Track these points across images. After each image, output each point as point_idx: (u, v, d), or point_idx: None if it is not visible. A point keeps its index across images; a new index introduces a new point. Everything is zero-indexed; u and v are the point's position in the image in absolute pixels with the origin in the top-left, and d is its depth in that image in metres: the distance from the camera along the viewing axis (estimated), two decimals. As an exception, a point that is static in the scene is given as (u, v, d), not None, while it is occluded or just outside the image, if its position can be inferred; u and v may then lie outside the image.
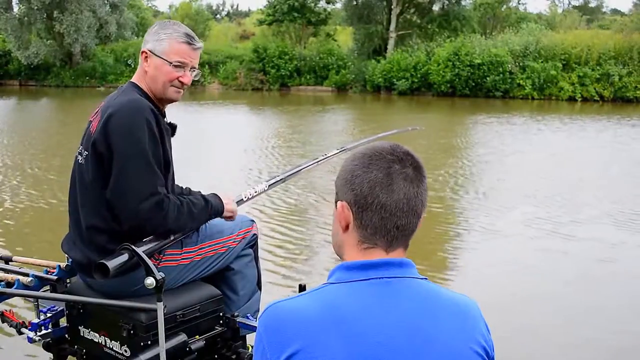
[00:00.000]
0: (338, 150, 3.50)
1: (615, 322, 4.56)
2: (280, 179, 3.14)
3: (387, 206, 1.31)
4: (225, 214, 2.61)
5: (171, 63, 2.47)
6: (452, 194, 8.81)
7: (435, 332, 1.26)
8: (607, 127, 17.81)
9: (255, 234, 2.86)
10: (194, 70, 2.56)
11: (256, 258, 2.89)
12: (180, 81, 2.51)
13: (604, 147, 13.70)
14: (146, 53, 2.51)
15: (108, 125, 2.35)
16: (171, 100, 2.57)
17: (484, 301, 1.42)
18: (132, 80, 2.56)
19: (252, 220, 2.89)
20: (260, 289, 2.90)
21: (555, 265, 5.75)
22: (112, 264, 2.20)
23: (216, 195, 2.62)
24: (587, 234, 6.70)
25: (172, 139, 2.65)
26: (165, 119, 2.58)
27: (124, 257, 2.23)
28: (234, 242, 2.71)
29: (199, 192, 2.96)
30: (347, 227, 1.36)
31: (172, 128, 2.64)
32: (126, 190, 2.31)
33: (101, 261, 2.21)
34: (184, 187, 2.96)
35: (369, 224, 1.33)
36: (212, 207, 2.54)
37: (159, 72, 2.49)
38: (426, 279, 1.35)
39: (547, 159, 11.91)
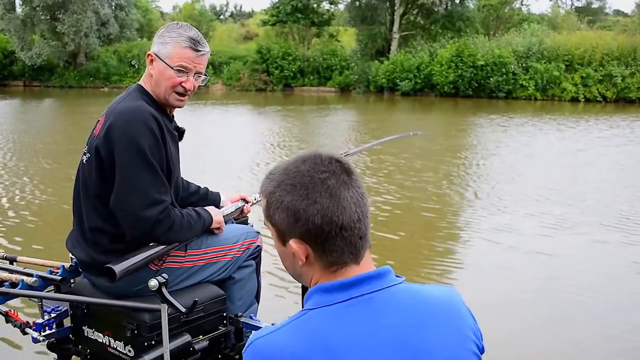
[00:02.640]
0: (341, 155, 3.45)
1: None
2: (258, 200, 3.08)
3: (345, 225, 1.25)
4: (214, 225, 2.59)
5: (173, 68, 2.40)
6: (432, 198, 8.80)
7: (428, 343, 1.23)
8: (593, 128, 17.72)
9: (259, 246, 2.80)
10: (200, 76, 2.49)
11: (258, 271, 2.84)
12: (183, 87, 2.44)
13: (586, 150, 13.51)
14: (151, 56, 2.46)
15: (110, 134, 2.32)
16: (171, 105, 2.52)
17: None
18: (139, 82, 2.54)
19: (258, 232, 2.83)
20: (258, 301, 2.85)
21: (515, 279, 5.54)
22: (119, 267, 2.19)
23: (206, 210, 2.59)
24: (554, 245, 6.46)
25: (180, 143, 2.64)
26: (173, 123, 2.57)
27: (131, 261, 2.23)
28: (238, 251, 2.67)
29: (203, 188, 2.98)
30: (307, 258, 1.30)
31: (180, 133, 2.62)
32: (130, 197, 2.28)
33: (108, 265, 2.20)
34: (201, 187, 2.97)
35: (333, 248, 1.27)
36: (204, 222, 2.53)
37: (162, 77, 2.43)
38: (403, 278, 1.31)
39: (531, 162, 11.82)
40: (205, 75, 2.53)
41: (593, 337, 4.33)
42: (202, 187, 2.98)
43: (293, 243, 1.28)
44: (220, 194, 2.99)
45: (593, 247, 6.40)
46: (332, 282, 1.27)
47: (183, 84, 2.44)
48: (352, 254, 1.28)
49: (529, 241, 6.51)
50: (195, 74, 2.46)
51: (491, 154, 12.81)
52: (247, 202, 2.93)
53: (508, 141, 14.77)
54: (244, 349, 1.27)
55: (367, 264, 1.30)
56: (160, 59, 2.43)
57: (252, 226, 2.95)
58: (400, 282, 1.30)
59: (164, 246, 2.37)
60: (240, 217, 2.91)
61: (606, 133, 16.46)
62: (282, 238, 1.31)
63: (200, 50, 2.45)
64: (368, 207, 1.31)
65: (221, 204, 2.91)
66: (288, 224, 1.28)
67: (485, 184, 9.61)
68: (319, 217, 1.24)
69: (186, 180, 2.88)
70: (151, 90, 2.49)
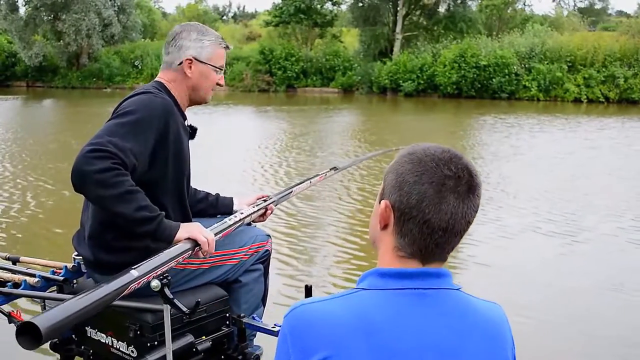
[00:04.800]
0: (329, 170, 3.36)
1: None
2: (272, 201, 2.87)
3: (430, 223, 1.25)
4: (181, 234, 2.20)
5: (217, 68, 2.56)
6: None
7: (467, 353, 1.24)
8: (585, 130, 17.64)
9: (268, 250, 2.76)
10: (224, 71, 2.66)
11: (266, 275, 2.79)
12: (219, 84, 2.61)
13: (572, 153, 13.29)
14: (190, 60, 2.50)
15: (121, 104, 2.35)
16: (199, 103, 2.63)
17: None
18: (161, 81, 2.53)
19: (268, 236, 2.78)
20: (264, 305, 2.82)
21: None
22: (45, 323, 1.51)
23: (179, 224, 2.25)
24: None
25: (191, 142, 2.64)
26: (186, 121, 2.58)
27: (58, 313, 1.56)
28: (245, 255, 2.63)
29: (214, 194, 2.92)
30: (385, 227, 1.32)
31: (193, 130, 2.64)
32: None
33: (29, 320, 1.51)
34: (211, 193, 2.90)
35: (408, 234, 1.28)
36: (157, 222, 2.17)
37: (205, 79, 2.54)
38: (460, 288, 1.32)
39: (510, 166, 11.63)
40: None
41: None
42: (214, 193, 2.91)
43: (384, 204, 1.30)
44: (233, 198, 2.91)
45: (549, 262, 6.02)
46: (390, 268, 1.29)
47: (219, 82, 2.61)
48: (421, 252, 1.28)
49: (483, 253, 6.18)
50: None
51: (475, 156, 12.62)
52: (264, 199, 2.82)
53: (495, 143, 14.68)
54: (286, 314, 1.28)
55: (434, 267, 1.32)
56: (202, 62, 2.52)
57: (255, 227, 2.88)
58: (457, 289, 1.31)
59: (119, 287, 1.80)
60: (261, 219, 2.80)
61: (594, 135, 16.33)
62: (381, 196, 1.34)
63: (229, 48, 2.63)
64: (464, 227, 1.29)
65: (235, 209, 2.82)
66: (391, 186, 1.30)
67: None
68: (415, 198, 1.26)
69: (194, 188, 2.83)
70: (178, 90, 2.53)
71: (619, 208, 8.04)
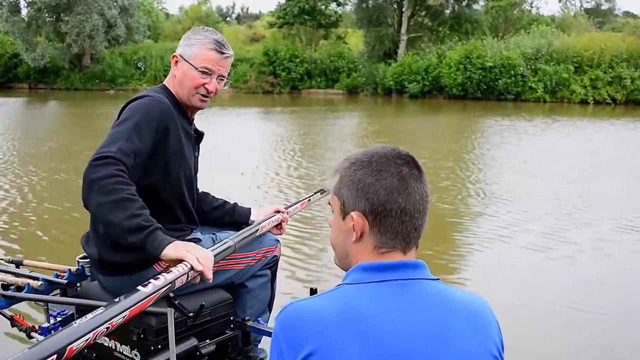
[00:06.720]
0: (315, 192, 3.30)
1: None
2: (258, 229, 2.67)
3: (406, 210, 1.33)
4: (165, 252, 2.01)
5: (197, 69, 2.43)
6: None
7: (451, 336, 1.27)
8: (582, 131, 17.50)
9: (276, 256, 2.73)
10: (223, 80, 2.51)
11: (273, 280, 2.76)
12: (205, 88, 2.46)
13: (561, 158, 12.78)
14: (176, 57, 2.48)
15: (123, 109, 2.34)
16: (196, 108, 2.53)
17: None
18: (165, 84, 2.54)
19: (277, 241, 2.75)
20: (270, 310, 2.79)
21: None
22: None
23: (165, 236, 2.05)
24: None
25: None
26: (192, 126, 2.57)
27: None
28: (253, 259, 2.60)
29: (232, 203, 2.86)
30: (361, 236, 1.36)
31: (199, 135, 2.63)
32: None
33: None
34: (229, 202, 2.86)
35: (389, 229, 1.34)
36: (147, 232, 2.01)
37: (185, 78, 2.45)
38: (439, 279, 1.37)
39: (490, 168, 11.48)
40: (228, 79, 2.54)
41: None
42: (232, 202, 2.86)
43: (355, 215, 1.35)
44: (251, 209, 2.85)
45: (512, 277, 5.63)
46: (371, 262, 1.34)
47: (206, 86, 2.46)
48: (404, 241, 1.35)
49: (451, 267, 5.90)
50: (218, 76, 2.48)
51: (464, 160, 12.39)
52: (280, 212, 2.79)
53: (486, 145, 14.59)
54: (277, 315, 1.32)
55: (411, 257, 1.37)
56: (185, 60, 2.45)
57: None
58: (435, 279, 1.36)
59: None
60: (277, 232, 2.77)
61: (589, 137, 16.15)
62: (344, 211, 1.38)
63: (224, 53, 2.47)
64: (428, 206, 1.38)
65: (252, 219, 2.78)
66: (355, 196, 1.35)
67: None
68: (384, 193, 1.33)
69: (211, 195, 2.82)
70: (174, 91, 2.50)
71: (601, 216, 7.66)
